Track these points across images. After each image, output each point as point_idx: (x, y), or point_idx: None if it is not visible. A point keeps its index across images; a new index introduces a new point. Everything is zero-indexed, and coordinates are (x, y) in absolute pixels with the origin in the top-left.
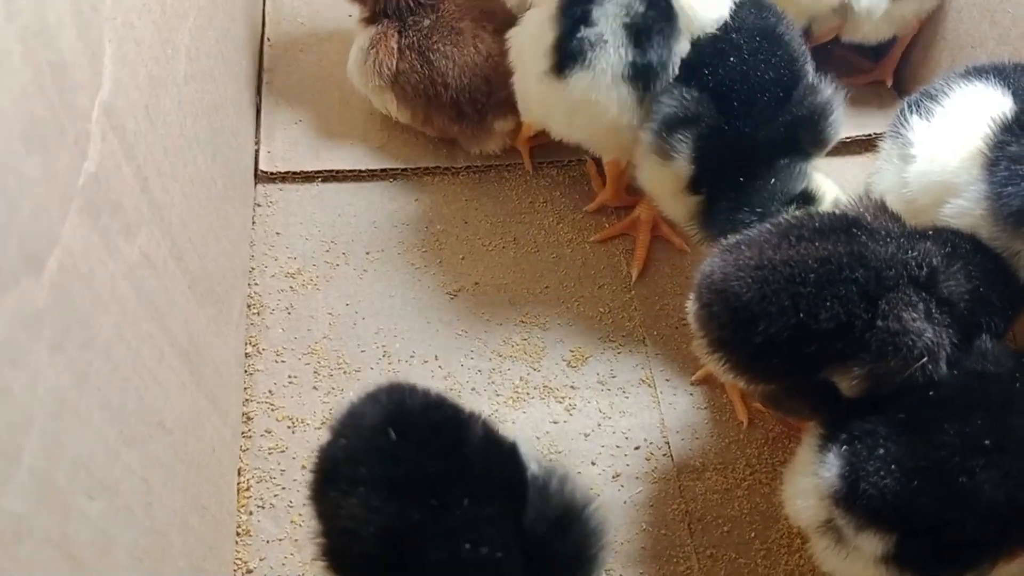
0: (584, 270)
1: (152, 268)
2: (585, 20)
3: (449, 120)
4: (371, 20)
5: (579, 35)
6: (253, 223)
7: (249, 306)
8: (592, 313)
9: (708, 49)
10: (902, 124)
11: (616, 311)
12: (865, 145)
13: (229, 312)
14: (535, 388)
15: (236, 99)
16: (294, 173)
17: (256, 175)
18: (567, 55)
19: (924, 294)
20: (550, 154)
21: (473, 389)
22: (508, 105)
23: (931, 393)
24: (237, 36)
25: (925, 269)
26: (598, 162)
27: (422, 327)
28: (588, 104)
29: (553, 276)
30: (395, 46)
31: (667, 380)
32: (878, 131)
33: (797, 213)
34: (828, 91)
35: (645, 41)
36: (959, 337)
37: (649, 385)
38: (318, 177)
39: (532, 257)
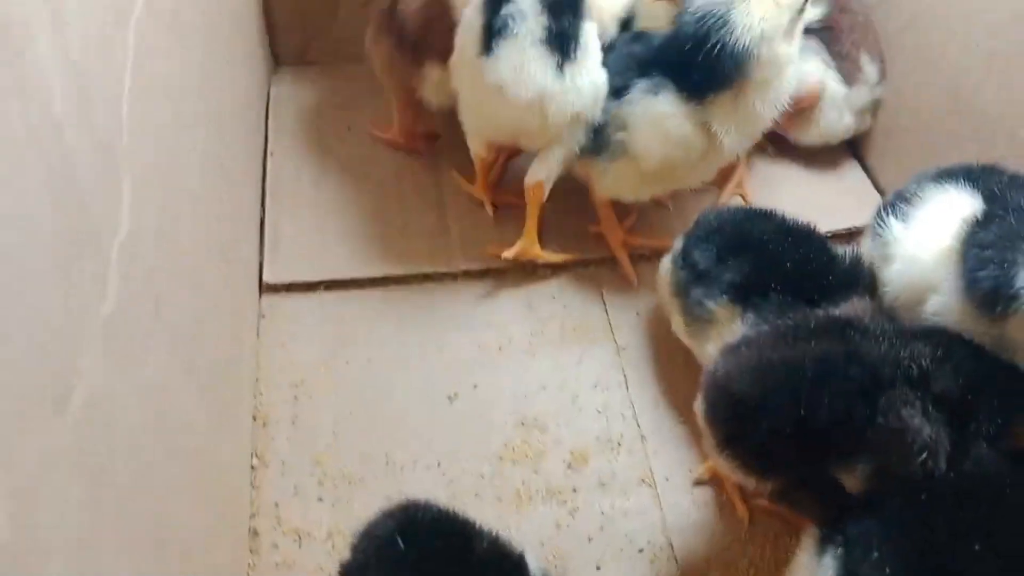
0: (579, 370)
1: (165, 390)
2: (502, 2)
3: (390, 47)
4: None
5: (502, 12)
6: (258, 334)
7: (255, 418)
8: (590, 412)
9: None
10: (880, 225)
11: (613, 410)
12: (846, 238)
13: (236, 426)
14: (537, 491)
15: (241, 213)
16: (297, 283)
17: (261, 287)
18: (494, 32)
19: (919, 392)
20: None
21: (476, 495)
22: (439, 54)
23: (923, 496)
24: (242, 149)
25: (917, 368)
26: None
27: (424, 432)
28: (512, 72)
29: (550, 376)
30: None
31: (667, 479)
32: (857, 224)
33: (793, 316)
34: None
35: (559, 13)
36: (954, 435)
37: (649, 485)
38: (320, 286)
39: (529, 358)
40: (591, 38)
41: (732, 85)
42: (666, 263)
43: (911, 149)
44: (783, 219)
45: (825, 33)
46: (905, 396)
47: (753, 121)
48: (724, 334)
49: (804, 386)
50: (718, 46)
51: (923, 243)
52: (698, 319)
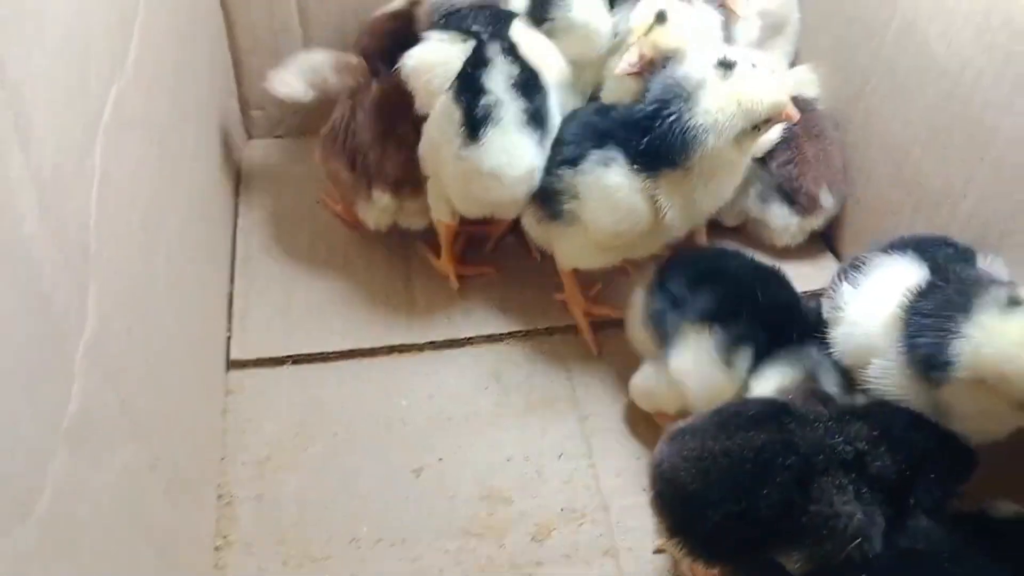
0: (543, 441)
1: (131, 479)
2: (480, 92)
3: (343, 166)
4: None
5: (482, 103)
6: (224, 411)
7: (219, 496)
8: (554, 484)
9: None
10: (834, 289)
11: (578, 481)
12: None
13: (200, 507)
14: (501, 567)
15: (211, 291)
16: (265, 359)
17: (228, 363)
18: (477, 122)
19: (853, 475)
20: (508, 325)
21: (441, 570)
22: (391, 183)
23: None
24: (212, 227)
25: (853, 451)
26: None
27: (388, 508)
28: (504, 155)
29: (515, 448)
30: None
31: (629, 549)
32: (811, 289)
33: (734, 402)
34: None
35: (530, 93)
36: (892, 513)
37: (612, 556)
38: (288, 360)
39: (493, 429)
40: (555, 109)
41: (678, 166)
42: (640, 294)
43: (864, 219)
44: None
45: (787, 167)
46: (838, 482)
47: (697, 205)
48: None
49: (744, 477)
50: (672, 124)
51: (870, 309)
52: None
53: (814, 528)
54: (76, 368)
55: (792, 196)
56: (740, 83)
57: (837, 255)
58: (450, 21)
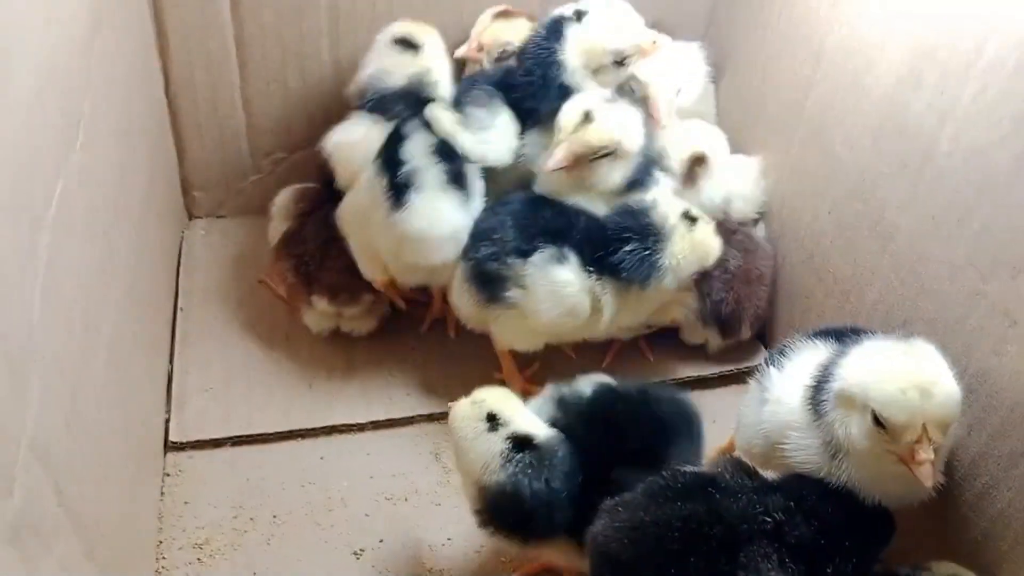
0: None
1: (66, 572)
2: (401, 162)
3: (288, 269)
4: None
5: (402, 171)
6: (162, 494)
7: None
8: (494, 563)
9: None
10: (762, 373)
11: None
12: (730, 379)
13: None
14: None
15: (150, 373)
16: (203, 441)
17: (166, 445)
18: (400, 188)
19: (776, 544)
20: (447, 401)
21: None
22: (329, 289)
23: None
24: (152, 310)
25: (772, 521)
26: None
27: None
28: (430, 216)
29: (455, 527)
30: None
31: None
32: (740, 366)
33: (664, 474)
34: None
35: (450, 157)
36: None
37: None
38: (227, 442)
39: (434, 508)
40: (473, 171)
41: (632, 288)
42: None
43: (783, 302)
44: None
45: (720, 306)
46: (762, 550)
47: (634, 317)
48: None
49: (673, 546)
50: (643, 257)
51: (790, 388)
52: None
53: None
54: (18, 466)
55: (720, 322)
56: (699, 235)
57: (760, 336)
58: (376, 105)
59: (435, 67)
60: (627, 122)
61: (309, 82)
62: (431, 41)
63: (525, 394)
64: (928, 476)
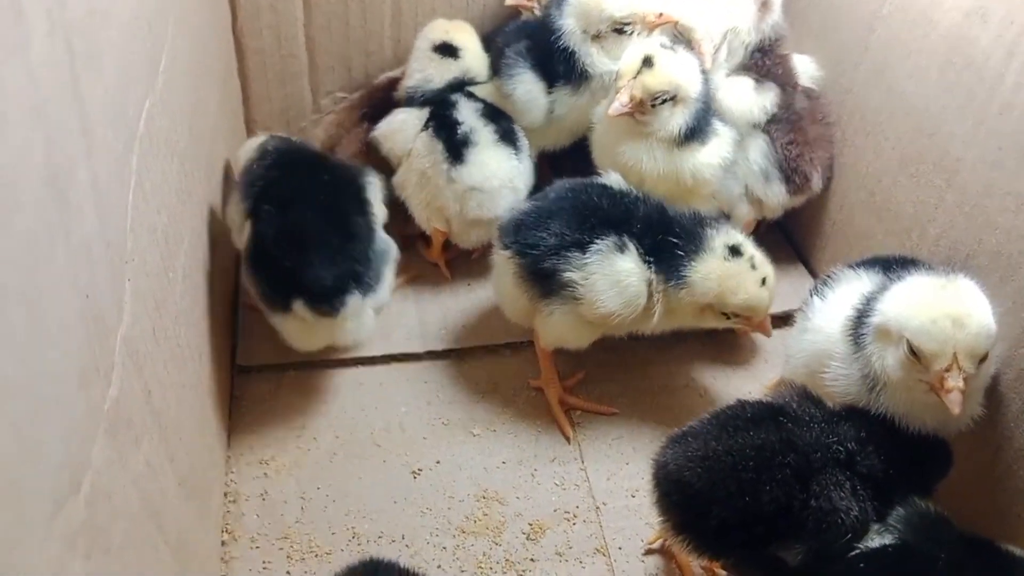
0: (538, 445)
1: (152, 472)
2: (457, 123)
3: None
4: None
5: (460, 132)
6: (230, 413)
7: (226, 495)
8: (547, 486)
9: None
10: (806, 303)
11: (568, 483)
12: (782, 320)
13: (209, 503)
14: (497, 563)
15: (219, 298)
16: (268, 365)
17: (234, 368)
18: (458, 146)
19: (848, 472)
20: (505, 336)
21: (439, 566)
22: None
23: (862, 565)
24: (220, 242)
25: (844, 451)
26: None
27: (388, 507)
28: (485, 168)
29: (509, 452)
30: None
31: (620, 548)
32: (791, 308)
33: (732, 404)
34: None
35: (497, 119)
36: (883, 508)
37: (604, 554)
38: (290, 367)
39: (489, 434)
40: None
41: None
42: None
43: (840, 243)
44: None
45: (790, 147)
46: (835, 479)
47: (673, 318)
48: None
49: (747, 475)
50: (675, 248)
51: (831, 317)
52: None
53: (814, 523)
54: (116, 357)
55: (789, 175)
56: (733, 269)
57: (815, 275)
58: (423, 103)
59: (473, 65)
60: (686, 66)
61: (370, 21)
62: (468, 42)
63: (562, 404)
64: (956, 403)
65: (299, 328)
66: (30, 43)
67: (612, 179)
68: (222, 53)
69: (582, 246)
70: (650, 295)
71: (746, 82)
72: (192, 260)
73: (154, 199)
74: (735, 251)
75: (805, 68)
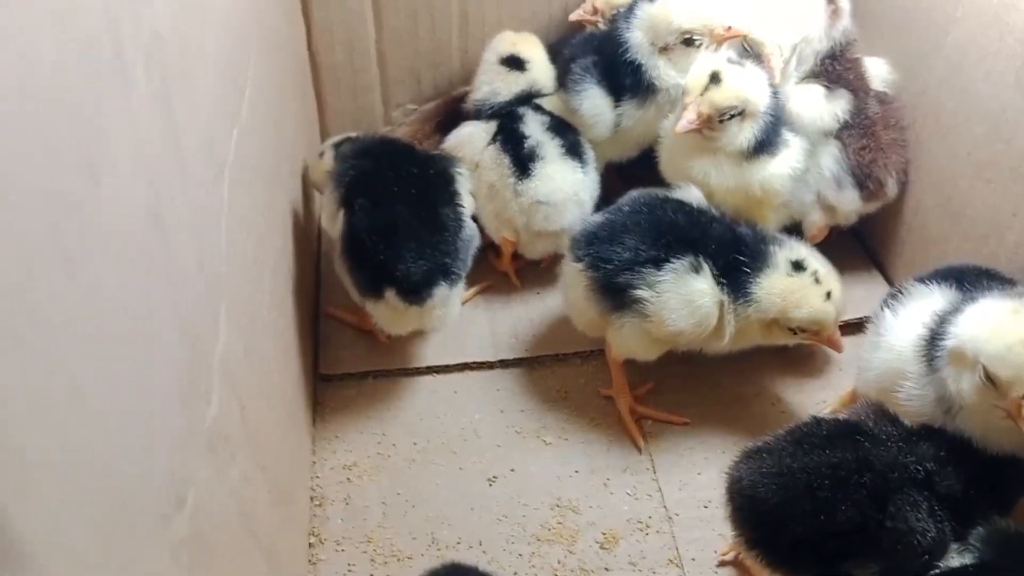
0: (609, 455)
1: (246, 483)
2: (524, 137)
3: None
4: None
5: (526, 146)
6: (314, 420)
7: (312, 498)
8: (620, 495)
9: None
10: (877, 316)
11: (641, 493)
12: (856, 327)
13: (296, 507)
14: (572, 571)
15: (302, 310)
16: (350, 373)
17: (316, 376)
18: (525, 160)
19: (926, 492)
20: (575, 344)
21: (515, 573)
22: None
23: None
24: (301, 256)
25: (923, 471)
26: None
27: (465, 513)
28: (551, 181)
29: (582, 461)
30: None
31: (693, 559)
32: (865, 315)
33: (807, 420)
34: None
35: (563, 132)
36: (961, 530)
37: (677, 565)
38: (370, 375)
39: (562, 443)
40: (586, 143)
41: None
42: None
43: (915, 248)
44: None
45: (863, 153)
46: (912, 498)
47: (743, 337)
48: None
49: (822, 493)
50: (741, 265)
51: (903, 335)
52: None
53: (890, 543)
54: (214, 377)
55: (862, 181)
56: (796, 284)
57: (889, 281)
58: (491, 116)
59: (540, 77)
60: (753, 81)
61: (439, 35)
62: (535, 54)
63: (633, 414)
64: None
65: (390, 314)
66: (131, 88)
67: (689, 194)
68: (299, 69)
69: (657, 263)
70: (721, 315)
71: (817, 90)
72: (277, 275)
73: (243, 222)
74: (798, 266)
75: (878, 71)
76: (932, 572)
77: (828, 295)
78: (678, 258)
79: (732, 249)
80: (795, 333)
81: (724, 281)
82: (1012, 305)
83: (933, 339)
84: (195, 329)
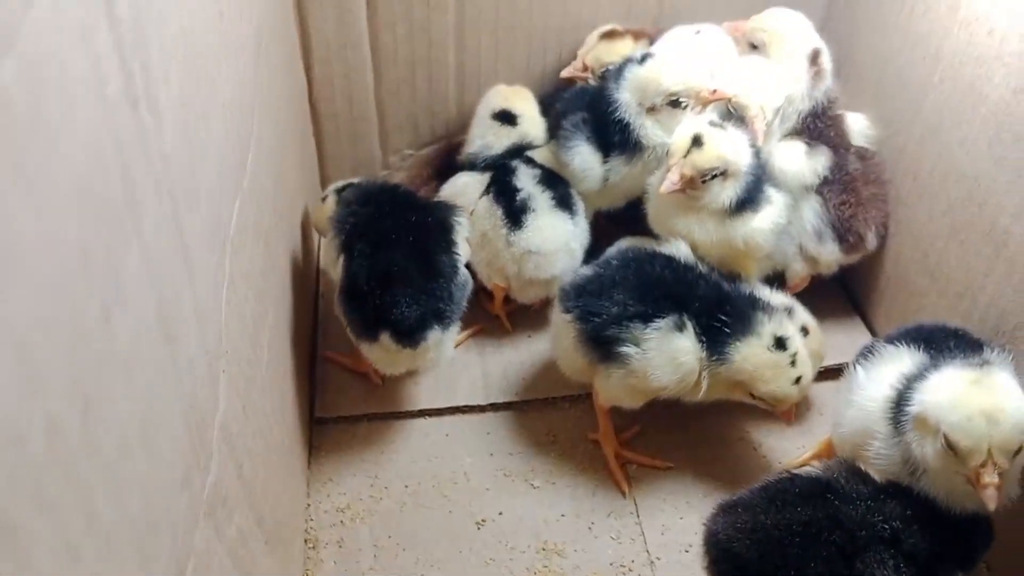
0: (595, 499)
1: (243, 539)
2: (516, 190)
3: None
4: None
5: (518, 198)
6: (309, 464)
7: (306, 541)
8: (604, 539)
9: None
10: (850, 373)
11: (624, 537)
12: (837, 372)
13: (291, 552)
14: None
15: (297, 356)
16: (344, 417)
17: (311, 420)
18: (517, 212)
19: (892, 551)
20: (564, 388)
21: None
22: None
23: None
24: (301, 299)
25: (890, 529)
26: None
27: (454, 556)
28: (542, 233)
29: (568, 504)
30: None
31: None
32: (845, 361)
33: (780, 476)
34: None
35: (554, 184)
36: None
37: None
38: (364, 419)
39: (549, 487)
40: (576, 195)
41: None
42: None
43: (895, 299)
44: None
45: (843, 207)
46: (879, 557)
47: (718, 389)
48: None
49: (793, 550)
50: (723, 326)
51: (873, 395)
52: None
53: None
54: (213, 445)
55: (843, 234)
56: (773, 359)
57: (870, 327)
58: (484, 168)
59: (531, 130)
60: (734, 143)
61: (435, 84)
62: (526, 109)
63: (618, 458)
64: (992, 499)
65: (384, 355)
66: (143, 217)
67: (677, 249)
68: (299, 121)
69: (644, 318)
70: (700, 370)
71: (798, 147)
72: (276, 329)
73: (243, 287)
74: (780, 344)
75: (858, 126)
76: None
77: (798, 380)
78: (663, 316)
79: (717, 309)
80: (753, 398)
81: (704, 339)
82: (973, 375)
83: (899, 403)
84: (198, 406)
